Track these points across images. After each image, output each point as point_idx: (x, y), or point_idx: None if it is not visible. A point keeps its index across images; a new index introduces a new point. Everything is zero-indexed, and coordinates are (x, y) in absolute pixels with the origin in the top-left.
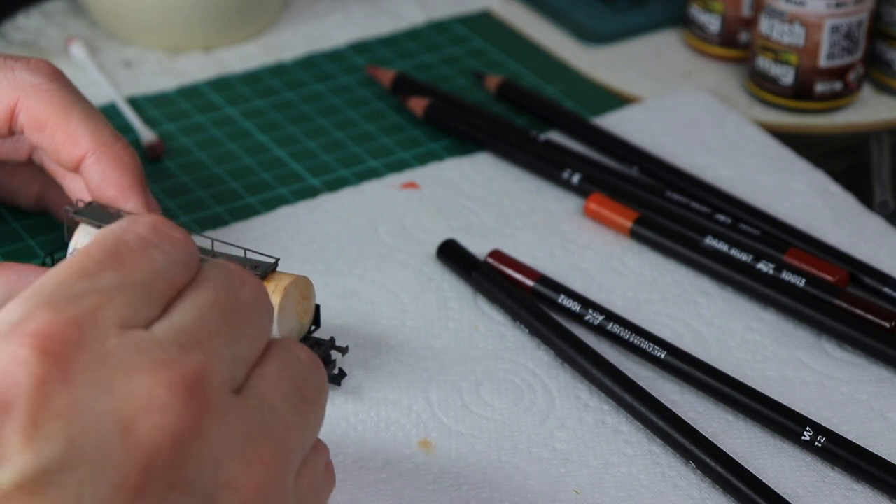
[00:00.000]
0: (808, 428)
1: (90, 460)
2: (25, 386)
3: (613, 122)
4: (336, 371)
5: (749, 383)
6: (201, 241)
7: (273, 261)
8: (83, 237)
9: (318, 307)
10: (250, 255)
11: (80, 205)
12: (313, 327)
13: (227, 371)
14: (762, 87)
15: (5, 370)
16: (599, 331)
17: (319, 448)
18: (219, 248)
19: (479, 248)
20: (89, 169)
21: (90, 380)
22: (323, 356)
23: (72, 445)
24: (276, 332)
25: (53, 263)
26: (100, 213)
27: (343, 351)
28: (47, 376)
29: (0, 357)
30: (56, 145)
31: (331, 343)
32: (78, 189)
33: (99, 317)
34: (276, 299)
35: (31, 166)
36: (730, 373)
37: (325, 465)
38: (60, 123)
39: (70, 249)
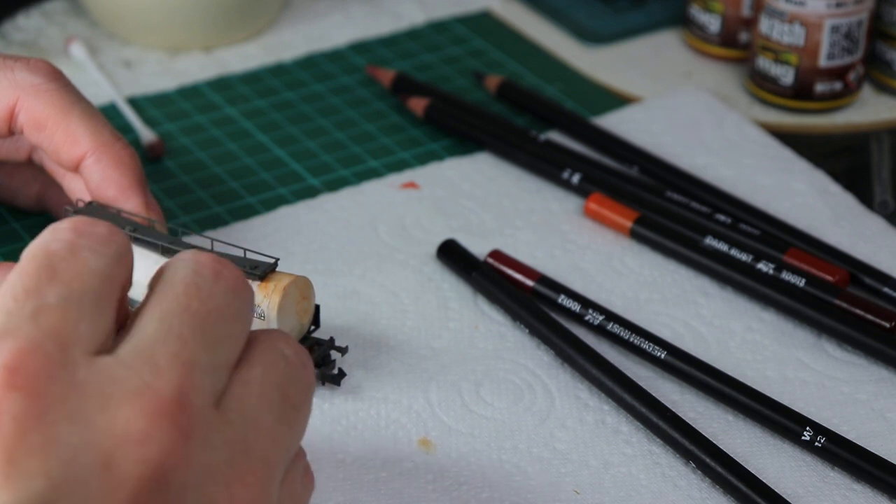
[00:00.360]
0: (808, 428)
1: (71, 497)
2: (0, 423)
3: (613, 122)
4: (336, 371)
5: (749, 383)
6: (201, 241)
7: (273, 261)
8: None
9: (317, 307)
10: (250, 255)
11: (80, 205)
12: (313, 327)
13: (206, 383)
14: (762, 87)
15: None
16: (599, 331)
17: (298, 454)
18: (218, 247)
19: (479, 248)
20: (89, 169)
21: (65, 413)
22: (323, 356)
23: (51, 482)
24: None
25: None
26: (99, 213)
27: (343, 351)
28: (20, 413)
29: None
30: (56, 145)
31: (330, 343)
32: (78, 189)
33: (62, 340)
34: (275, 299)
35: (31, 166)
36: (730, 373)
37: (305, 470)
38: (60, 123)
39: None
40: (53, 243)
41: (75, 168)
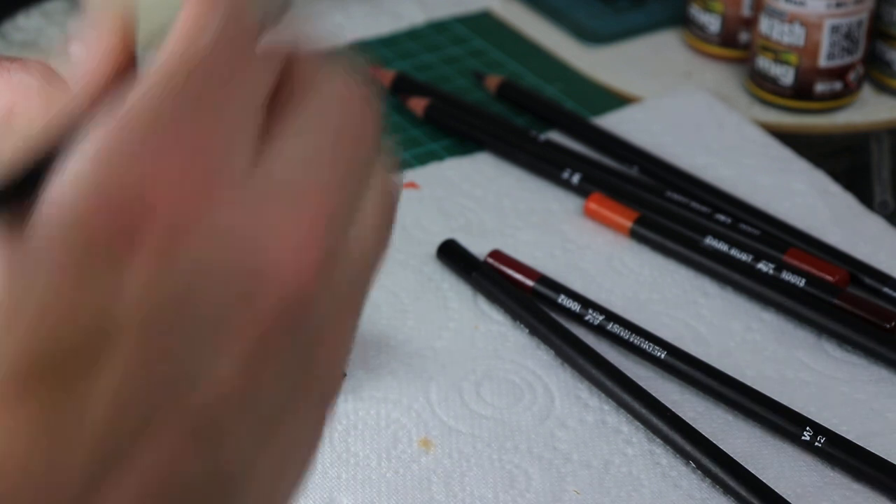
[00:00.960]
0: (807, 428)
1: (206, 307)
2: (166, 212)
3: (613, 122)
4: None
5: (749, 383)
6: None
7: None
8: None
9: None
10: None
11: None
12: None
13: (345, 217)
14: (762, 87)
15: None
16: (599, 331)
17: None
18: None
19: (479, 248)
20: None
21: (231, 221)
22: None
23: (193, 287)
24: None
25: None
26: None
27: None
28: (189, 201)
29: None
30: None
31: None
32: None
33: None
34: None
35: None
36: (730, 373)
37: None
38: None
39: None
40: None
41: None
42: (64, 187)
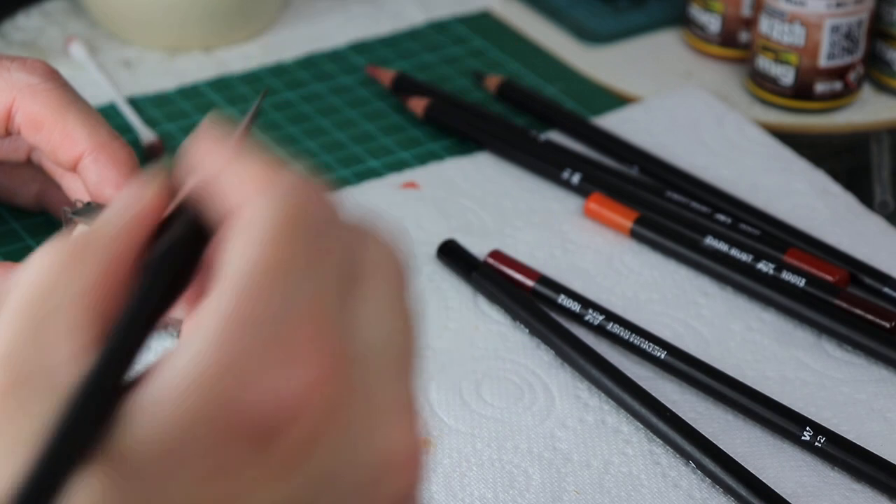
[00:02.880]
0: (807, 428)
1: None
2: (319, 410)
3: (613, 123)
4: None
5: (749, 383)
6: None
7: None
8: None
9: None
10: None
11: (79, 205)
12: None
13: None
14: (762, 87)
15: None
16: (599, 331)
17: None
18: None
19: (478, 248)
20: (87, 168)
21: (357, 421)
22: None
23: (321, 490)
24: None
25: None
26: (98, 214)
27: None
28: (329, 408)
29: (290, 374)
30: (53, 145)
31: None
32: (77, 189)
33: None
34: None
35: (31, 166)
36: (730, 373)
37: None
38: (57, 123)
39: None
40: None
41: (73, 168)
42: (186, 392)
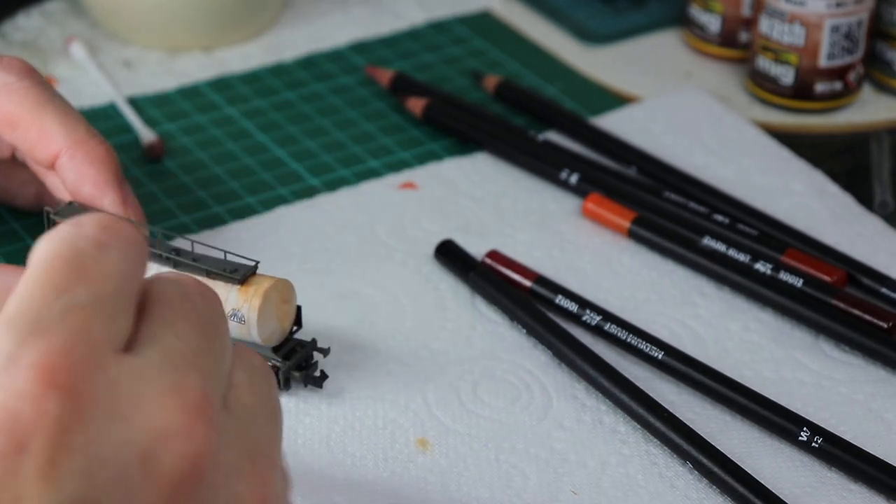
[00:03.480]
0: (805, 428)
1: (112, 495)
2: (41, 424)
3: (612, 123)
4: (318, 373)
5: (746, 383)
6: (182, 243)
7: (253, 264)
8: None
9: (299, 308)
10: (230, 258)
11: (61, 206)
12: (295, 328)
13: (217, 388)
14: (762, 87)
15: (15, 409)
16: (597, 331)
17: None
18: (199, 249)
19: (476, 248)
20: (64, 167)
21: (103, 411)
22: (305, 358)
23: (92, 482)
24: (256, 336)
25: None
26: (79, 214)
27: (325, 352)
28: (61, 412)
29: (5, 395)
30: (30, 144)
31: (313, 344)
32: (58, 187)
33: (91, 339)
34: (255, 303)
35: (29, 167)
36: (727, 373)
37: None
38: (34, 122)
39: None
40: (81, 240)
41: (51, 166)
42: None
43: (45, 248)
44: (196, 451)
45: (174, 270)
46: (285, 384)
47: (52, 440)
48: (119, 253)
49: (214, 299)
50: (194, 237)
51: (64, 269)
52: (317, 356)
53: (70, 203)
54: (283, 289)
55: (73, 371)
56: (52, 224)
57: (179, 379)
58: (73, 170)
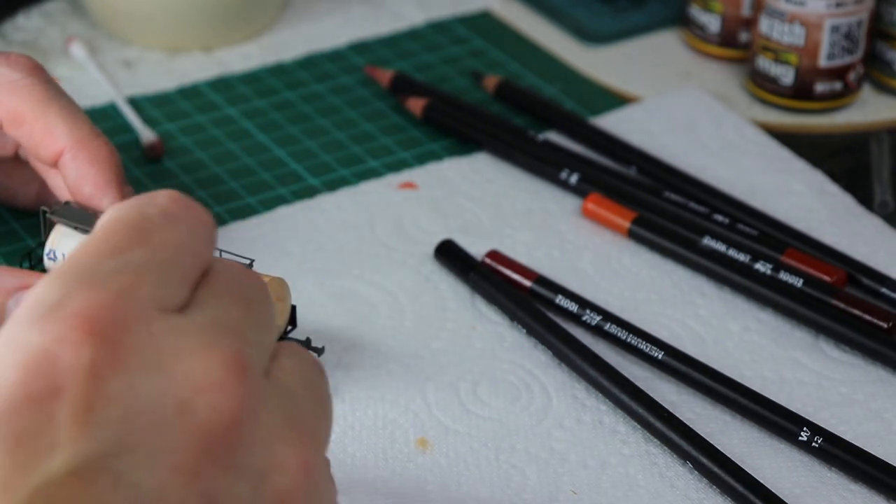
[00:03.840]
0: (805, 428)
1: (146, 443)
2: (77, 369)
3: (612, 123)
4: None
5: (746, 383)
6: None
7: (248, 262)
8: (59, 237)
9: (294, 308)
10: (225, 256)
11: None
12: (289, 328)
13: (257, 355)
14: (762, 87)
15: (53, 353)
16: (597, 331)
17: (327, 459)
18: None
19: (476, 248)
20: (66, 165)
21: (142, 362)
22: None
23: (127, 429)
24: None
25: (31, 265)
26: (77, 214)
27: (319, 352)
28: (99, 359)
29: (44, 339)
30: (34, 141)
31: (306, 343)
32: (60, 185)
33: (138, 296)
34: None
35: (30, 165)
36: (727, 373)
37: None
38: (38, 119)
39: (47, 250)
40: (150, 207)
41: (54, 164)
42: None
43: (113, 213)
44: (232, 406)
45: None
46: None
47: (88, 386)
48: (185, 226)
49: (261, 284)
50: None
51: (125, 231)
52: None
53: (67, 203)
54: (277, 287)
55: (113, 322)
56: (48, 224)
57: (220, 338)
58: (75, 169)
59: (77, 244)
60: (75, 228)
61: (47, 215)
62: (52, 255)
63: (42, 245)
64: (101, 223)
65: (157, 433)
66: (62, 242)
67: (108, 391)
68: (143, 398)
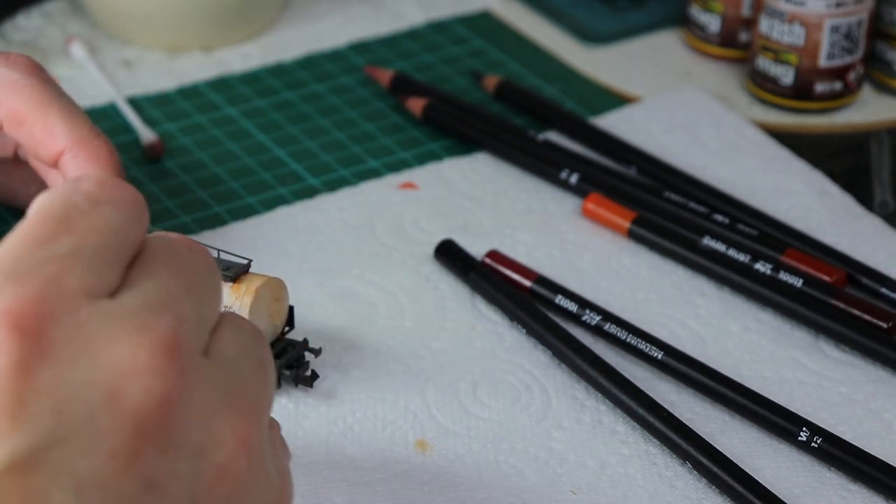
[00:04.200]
0: (804, 428)
1: (81, 432)
2: (5, 366)
3: (612, 123)
4: (309, 373)
5: (746, 384)
6: None
7: (245, 262)
8: None
9: (291, 308)
10: (224, 256)
11: None
12: (287, 328)
13: (194, 334)
14: (762, 87)
15: None
16: (597, 331)
17: (274, 424)
18: None
19: (476, 248)
20: (66, 165)
21: (70, 352)
22: (296, 358)
23: (60, 419)
24: None
25: None
26: None
27: (316, 353)
28: (26, 354)
29: None
30: (34, 141)
31: (304, 344)
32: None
33: (64, 286)
34: (246, 301)
35: (30, 165)
36: (727, 373)
37: (282, 441)
38: (38, 119)
39: None
40: (75, 195)
41: (54, 164)
42: None
43: (39, 202)
44: (163, 388)
45: None
46: (276, 383)
47: (17, 381)
48: (113, 209)
49: (202, 253)
50: (194, 237)
51: (49, 221)
52: (308, 356)
53: None
54: (275, 287)
55: (39, 315)
56: None
57: (150, 319)
58: (76, 168)
59: None
60: None
61: None
62: None
63: None
64: (28, 214)
65: (90, 421)
66: None
67: (38, 384)
68: (73, 388)
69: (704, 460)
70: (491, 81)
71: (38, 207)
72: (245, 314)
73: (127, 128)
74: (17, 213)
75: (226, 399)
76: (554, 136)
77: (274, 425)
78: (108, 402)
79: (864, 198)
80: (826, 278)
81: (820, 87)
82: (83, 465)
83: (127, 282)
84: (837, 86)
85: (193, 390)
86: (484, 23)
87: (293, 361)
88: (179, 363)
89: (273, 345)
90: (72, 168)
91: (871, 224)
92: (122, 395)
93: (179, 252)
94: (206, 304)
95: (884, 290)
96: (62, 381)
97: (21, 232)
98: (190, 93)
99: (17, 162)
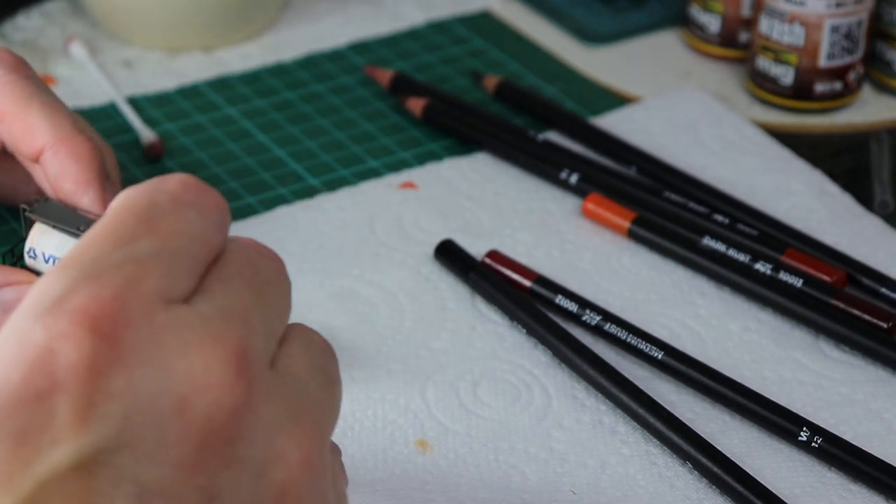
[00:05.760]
0: (804, 428)
1: (147, 439)
2: (78, 366)
3: (612, 123)
4: None
5: (746, 384)
6: None
7: None
8: (38, 235)
9: None
10: None
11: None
12: None
13: (264, 345)
14: (762, 87)
15: (53, 349)
16: (597, 331)
17: (336, 449)
18: None
19: (476, 248)
20: (47, 162)
21: (142, 358)
22: None
23: (128, 425)
24: None
25: (13, 261)
26: (56, 211)
27: None
28: (100, 356)
29: (46, 334)
30: (15, 137)
31: None
32: (43, 181)
33: (142, 290)
34: None
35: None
36: (727, 373)
37: (341, 464)
38: (19, 115)
39: (27, 248)
40: (159, 194)
41: (35, 160)
42: None
43: (121, 200)
44: (231, 402)
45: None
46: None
47: (88, 382)
48: (196, 212)
49: (277, 262)
50: None
51: (132, 221)
52: None
53: (46, 200)
54: None
55: (115, 318)
56: (27, 221)
57: (222, 330)
58: (56, 166)
59: (56, 242)
60: (54, 227)
61: (26, 213)
62: (32, 254)
63: (24, 240)
64: (109, 211)
65: (158, 429)
66: (41, 241)
67: (109, 387)
68: (143, 395)
69: (705, 460)
70: (491, 81)
71: (121, 205)
72: None
73: (127, 128)
74: (16, 212)
75: (291, 416)
76: (554, 136)
77: (335, 450)
78: (177, 412)
79: (864, 198)
80: (826, 278)
81: (820, 87)
82: (147, 473)
83: (203, 287)
84: (837, 86)
85: (260, 405)
86: (484, 23)
87: None
88: (248, 377)
89: None
90: (52, 165)
91: (871, 224)
92: (191, 407)
93: (253, 259)
94: (277, 315)
95: (884, 290)
96: (133, 387)
97: (102, 229)
98: (190, 93)
99: (14, 158)
